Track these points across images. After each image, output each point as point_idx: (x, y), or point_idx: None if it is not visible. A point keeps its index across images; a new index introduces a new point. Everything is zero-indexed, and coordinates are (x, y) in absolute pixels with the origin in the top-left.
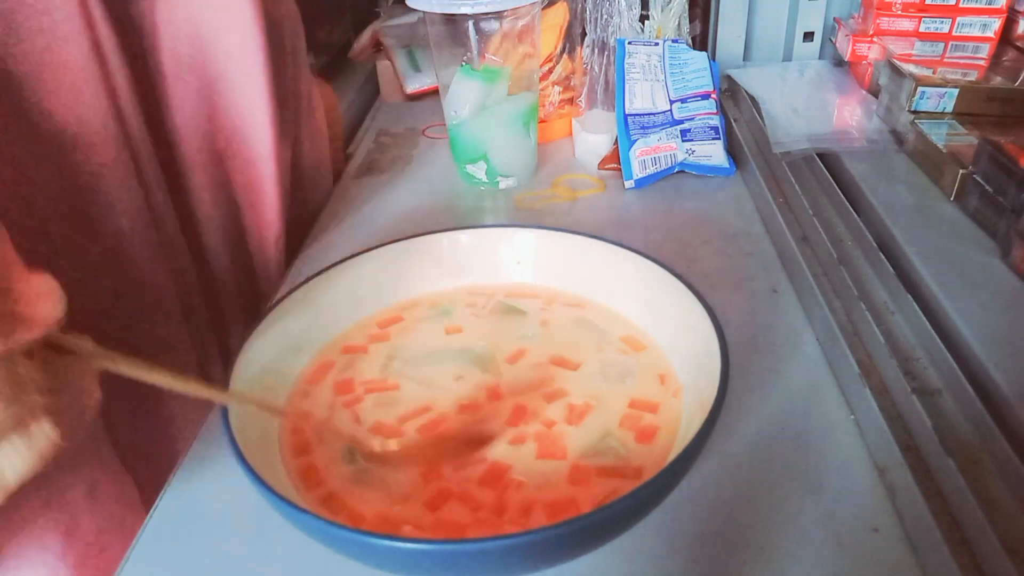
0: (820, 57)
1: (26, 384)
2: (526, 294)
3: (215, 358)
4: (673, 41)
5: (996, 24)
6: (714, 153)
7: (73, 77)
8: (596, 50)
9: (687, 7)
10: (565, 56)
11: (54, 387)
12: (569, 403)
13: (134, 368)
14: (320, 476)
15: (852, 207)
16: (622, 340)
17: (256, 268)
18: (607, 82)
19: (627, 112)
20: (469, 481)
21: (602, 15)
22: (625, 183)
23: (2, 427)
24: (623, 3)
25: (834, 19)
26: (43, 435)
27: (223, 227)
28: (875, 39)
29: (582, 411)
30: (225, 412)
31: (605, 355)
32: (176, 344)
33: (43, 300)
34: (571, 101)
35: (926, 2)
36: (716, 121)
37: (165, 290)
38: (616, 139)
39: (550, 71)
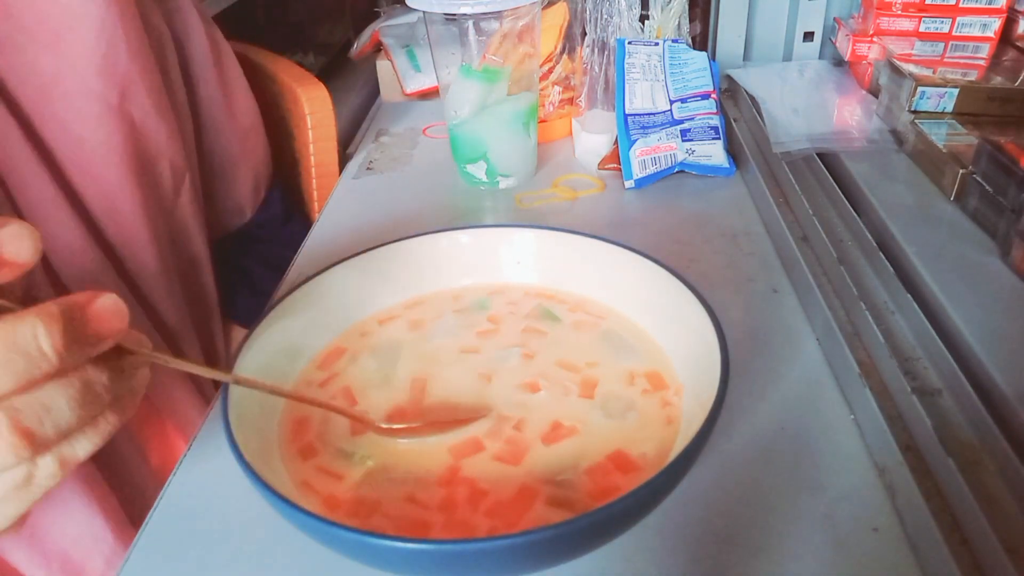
0: (820, 57)
1: (95, 386)
2: (527, 293)
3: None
4: (673, 41)
5: (996, 24)
6: (714, 153)
7: None
8: (596, 50)
9: (687, 7)
10: (565, 56)
11: (117, 383)
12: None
13: (177, 363)
14: (320, 474)
15: (852, 207)
16: (646, 376)
17: (178, 229)
18: (607, 82)
19: (627, 112)
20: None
21: (602, 15)
22: (625, 183)
23: (79, 423)
24: (623, 3)
25: (834, 19)
26: (107, 424)
27: (130, 197)
28: (875, 39)
29: (565, 433)
30: (225, 411)
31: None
32: None
33: (112, 318)
34: (571, 101)
35: (926, 2)
36: (716, 121)
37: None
38: (616, 139)
39: (550, 71)
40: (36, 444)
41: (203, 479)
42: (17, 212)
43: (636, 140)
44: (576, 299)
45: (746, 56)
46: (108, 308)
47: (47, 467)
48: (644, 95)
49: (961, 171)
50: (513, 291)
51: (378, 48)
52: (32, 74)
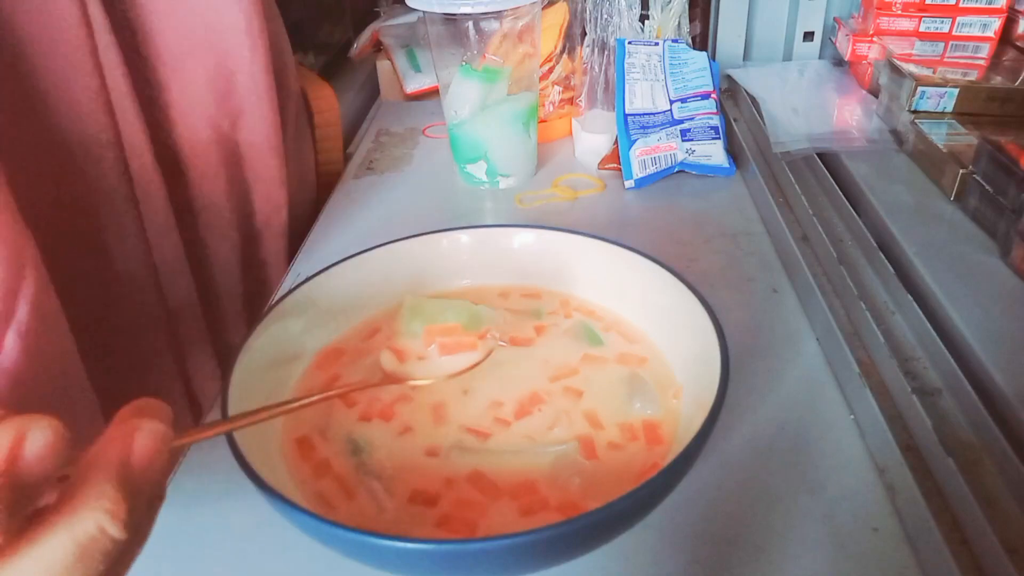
0: (820, 57)
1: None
2: (528, 294)
3: (208, 355)
4: (673, 41)
5: (996, 24)
6: (714, 153)
7: (64, 61)
8: (596, 50)
9: (687, 7)
10: (565, 56)
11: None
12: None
13: (195, 435)
14: (323, 471)
15: (852, 207)
16: (644, 423)
17: (260, 258)
18: (607, 82)
19: (627, 112)
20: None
21: (602, 15)
22: (625, 183)
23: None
24: (623, 3)
25: (834, 19)
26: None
27: (226, 216)
28: (875, 39)
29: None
30: (225, 411)
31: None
32: (155, 341)
33: (159, 450)
34: (571, 101)
35: (926, 2)
36: (716, 121)
37: (148, 286)
38: (616, 139)
39: (550, 71)
40: None
41: (203, 479)
42: (137, 218)
43: (636, 140)
44: (611, 319)
45: (746, 56)
46: (151, 446)
47: None
48: (644, 95)
49: (961, 171)
50: (510, 291)
51: (378, 48)
52: (165, 92)
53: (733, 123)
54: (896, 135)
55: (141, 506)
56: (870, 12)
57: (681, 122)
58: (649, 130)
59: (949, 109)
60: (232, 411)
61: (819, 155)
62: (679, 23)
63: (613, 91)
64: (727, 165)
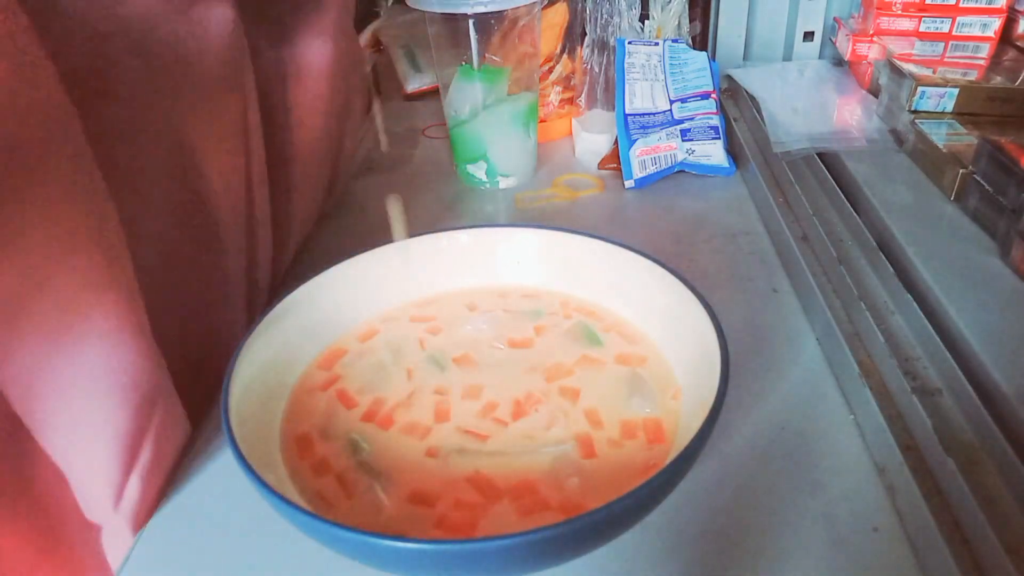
0: (820, 57)
1: None
2: (528, 294)
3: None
4: (673, 41)
5: (996, 24)
6: (714, 153)
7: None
8: (596, 50)
9: (687, 7)
10: (565, 56)
11: None
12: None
13: None
14: (323, 471)
15: (852, 207)
16: (644, 423)
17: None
18: (607, 82)
19: (627, 112)
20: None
21: (602, 15)
22: (625, 183)
23: None
24: (623, 3)
25: (834, 19)
26: None
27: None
28: (875, 39)
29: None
30: (226, 412)
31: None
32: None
33: None
34: (571, 101)
35: (926, 2)
36: (716, 121)
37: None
38: (616, 139)
39: (550, 71)
40: None
41: (203, 479)
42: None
43: (636, 140)
44: (610, 321)
45: (746, 56)
46: None
47: None
48: (644, 95)
49: (961, 171)
50: (510, 291)
51: (378, 48)
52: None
53: (733, 123)
54: (896, 135)
55: None
56: (870, 12)
57: (681, 122)
58: (649, 130)
59: (949, 109)
60: (233, 412)
61: (819, 155)
62: (679, 23)
63: (613, 91)
64: (727, 165)
